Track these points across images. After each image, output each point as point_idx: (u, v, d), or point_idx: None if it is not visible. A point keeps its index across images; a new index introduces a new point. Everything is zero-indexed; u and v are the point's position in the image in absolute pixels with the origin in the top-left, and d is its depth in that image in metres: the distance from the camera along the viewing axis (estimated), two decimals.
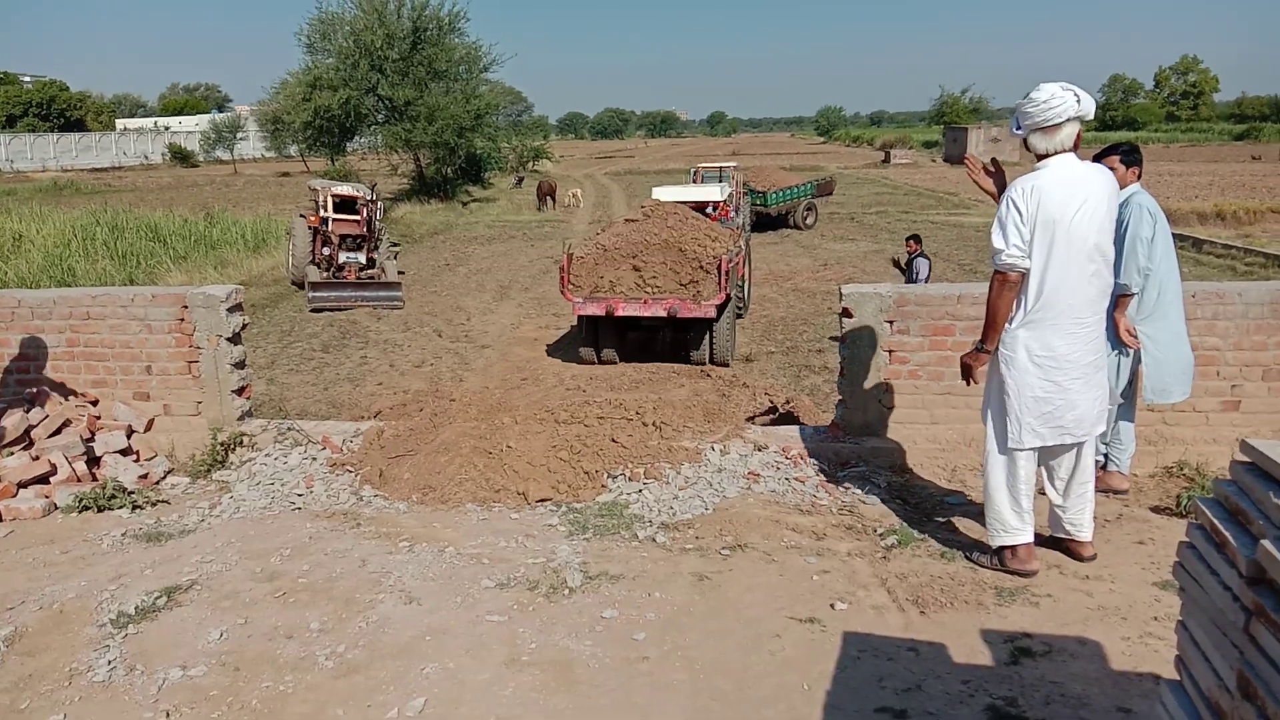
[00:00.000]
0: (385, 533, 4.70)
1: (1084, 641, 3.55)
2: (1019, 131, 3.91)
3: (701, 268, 10.40)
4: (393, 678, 3.42)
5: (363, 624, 3.80)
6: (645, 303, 10.42)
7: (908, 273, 11.90)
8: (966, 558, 4.28)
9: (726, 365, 10.62)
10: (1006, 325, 3.98)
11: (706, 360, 10.74)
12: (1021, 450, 4.02)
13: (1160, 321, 4.77)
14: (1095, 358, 3.96)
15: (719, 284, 10.27)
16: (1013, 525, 4.08)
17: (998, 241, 3.90)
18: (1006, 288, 3.92)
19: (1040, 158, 3.93)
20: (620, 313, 10.47)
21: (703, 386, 9.17)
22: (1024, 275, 3.89)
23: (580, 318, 11.01)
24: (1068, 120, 3.82)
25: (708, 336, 10.72)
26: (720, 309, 10.41)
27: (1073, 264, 3.82)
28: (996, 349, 4.03)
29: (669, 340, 11.15)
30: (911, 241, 12.09)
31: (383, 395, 9.64)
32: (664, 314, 10.36)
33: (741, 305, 12.73)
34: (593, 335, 11.07)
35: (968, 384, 4.23)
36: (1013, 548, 4.10)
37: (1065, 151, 3.88)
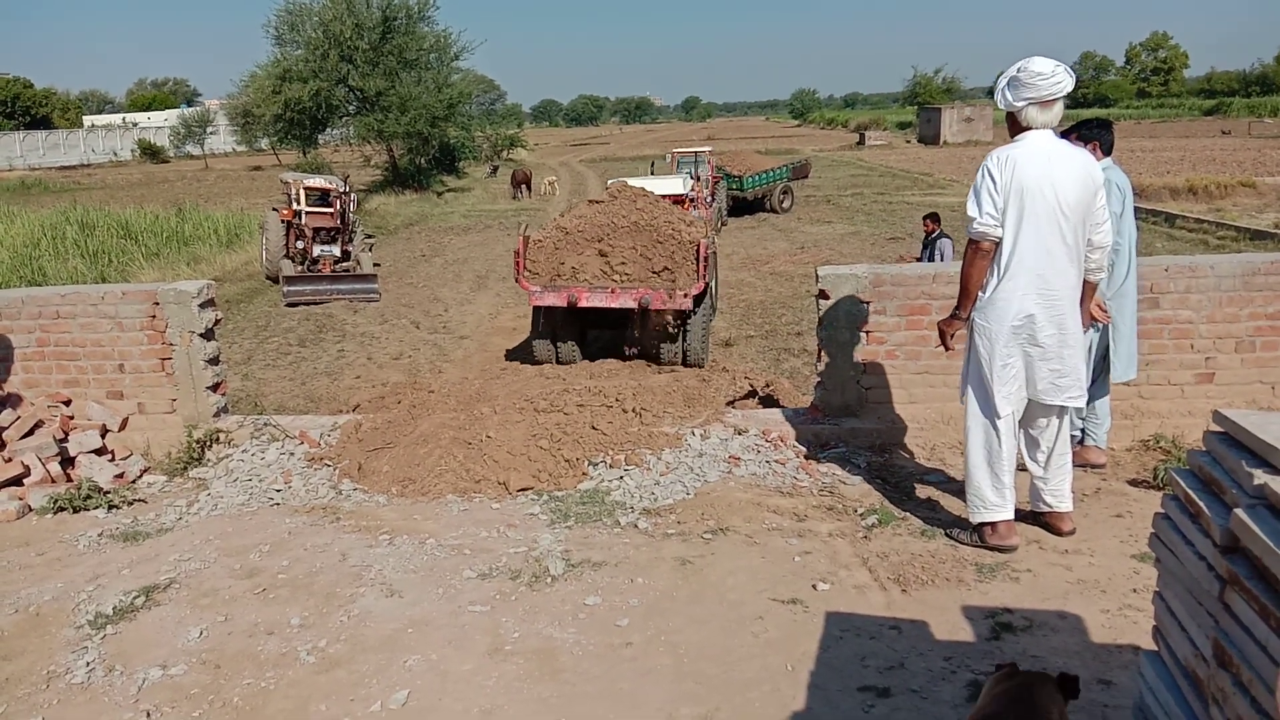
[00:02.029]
0: (365, 526, 4.68)
1: (1064, 615, 3.57)
2: (1017, 104, 3.91)
3: (676, 253, 9.27)
4: (375, 671, 3.41)
5: (344, 618, 3.78)
6: (613, 292, 9.12)
7: (928, 254, 10.96)
8: (947, 535, 4.30)
9: (700, 367, 9.35)
10: (980, 294, 4.01)
11: (679, 362, 9.44)
12: (1000, 422, 4.04)
13: (1124, 299, 4.82)
14: (1062, 332, 3.96)
15: (697, 271, 9.12)
16: (993, 501, 4.10)
17: (971, 210, 3.95)
18: (979, 255, 3.96)
19: (1019, 131, 3.95)
20: (584, 303, 9.19)
21: (682, 372, 9.06)
22: (997, 244, 3.92)
23: (536, 309, 9.66)
24: (1062, 96, 3.86)
25: (682, 333, 9.42)
26: (698, 300, 9.18)
27: (1044, 236, 3.86)
28: (971, 319, 4.07)
29: (638, 336, 9.74)
30: (929, 220, 11.10)
31: (361, 388, 9.58)
32: (633, 305, 9.10)
33: (710, 306, 11.15)
34: (550, 329, 9.70)
35: (946, 349, 4.29)
36: (993, 524, 4.12)
37: (1050, 128, 3.92)
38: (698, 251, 9.18)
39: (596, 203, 10.42)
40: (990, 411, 4.07)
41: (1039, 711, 2.17)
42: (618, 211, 9.91)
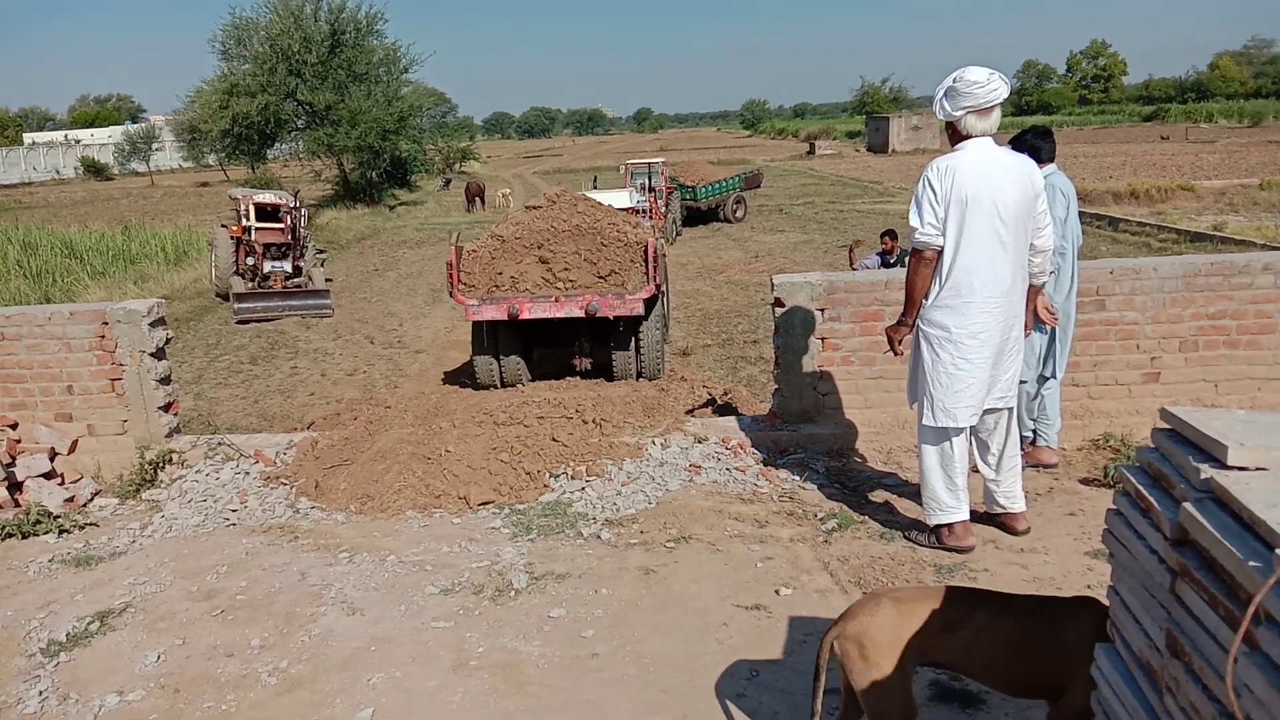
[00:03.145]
0: (324, 544, 4.63)
1: None
2: (956, 113, 3.97)
3: (624, 256, 8.61)
4: (339, 690, 3.37)
5: (305, 638, 3.74)
6: (557, 301, 8.38)
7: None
8: (905, 537, 4.36)
9: (656, 379, 8.81)
10: (924, 302, 4.07)
11: (634, 375, 8.82)
12: (949, 429, 4.10)
13: (1069, 302, 4.95)
14: (1005, 338, 4.05)
15: (646, 273, 8.49)
16: (948, 504, 4.17)
17: (913, 220, 4.01)
18: (922, 264, 4.03)
19: (959, 140, 4.02)
20: (526, 315, 8.39)
21: (641, 382, 9.07)
22: (939, 253, 3.98)
23: (475, 325, 8.77)
24: (999, 103, 3.93)
25: (634, 341, 8.77)
26: (649, 305, 8.54)
27: (984, 243, 3.92)
28: (917, 327, 4.13)
29: (588, 349, 9.06)
30: (887, 238, 10.39)
31: (315, 405, 9.46)
32: (580, 313, 8.37)
33: (663, 318, 10.12)
34: (491, 346, 8.84)
35: (895, 354, 4.34)
36: (949, 525, 4.19)
37: (989, 135, 3.99)
38: (646, 252, 8.57)
39: (534, 208, 9.65)
40: (927, 418, 4.14)
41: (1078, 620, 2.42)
42: (558, 216, 9.18)
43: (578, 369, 9.08)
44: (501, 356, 8.89)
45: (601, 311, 8.38)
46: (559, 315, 8.45)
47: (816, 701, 2.63)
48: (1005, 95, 3.94)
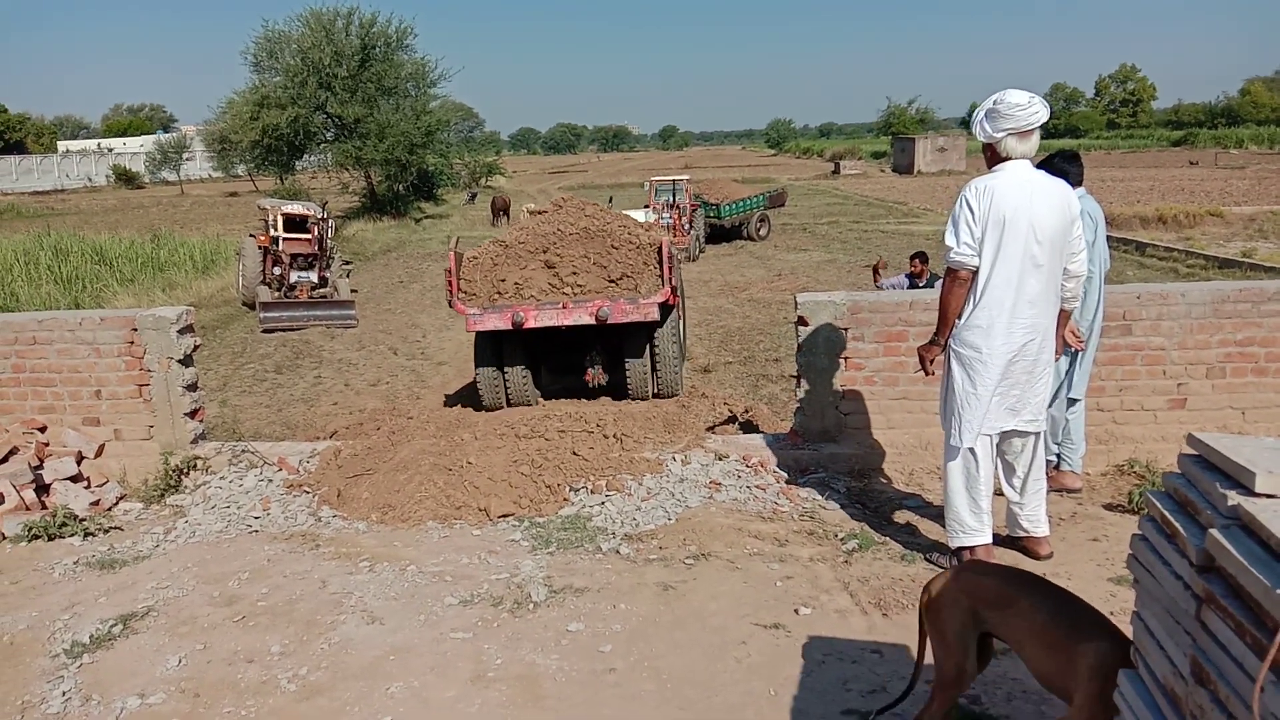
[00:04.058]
0: (345, 553, 4.66)
1: None
2: (997, 135, 3.97)
3: (636, 258, 8.11)
4: (357, 698, 3.39)
5: (325, 645, 3.76)
6: (565, 308, 7.81)
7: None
8: (926, 559, 4.34)
9: (673, 396, 8.38)
10: (957, 320, 4.07)
11: (649, 393, 8.27)
12: (977, 451, 4.09)
13: (1095, 325, 4.93)
14: (1036, 359, 4.04)
15: (661, 275, 7.95)
16: (971, 526, 4.14)
17: (949, 239, 4.00)
18: (957, 284, 4.02)
19: (997, 162, 4.02)
20: (531, 323, 7.80)
21: (662, 397, 9.05)
22: (974, 273, 3.98)
23: (477, 337, 8.19)
24: (1039, 126, 3.94)
25: (649, 350, 8.21)
26: (664, 310, 7.99)
27: (1019, 265, 3.91)
28: (948, 347, 4.12)
29: (600, 362, 8.42)
30: (917, 260, 9.68)
31: (338, 415, 9.52)
32: (590, 320, 7.78)
33: (679, 343, 9.18)
34: (495, 359, 8.22)
35: (926, 374, 4.32)
36: (972, 548, 4.16)
37: (1028, 157, 3.99)
38: (660, 254, 8.03)
39: (539, 213, 9.08)
40: (954, 438, 4.13)
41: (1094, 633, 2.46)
42: (564, 219, 8.60)
43: (590, 383, 8.48)
44: (506, 370, 8.30)
45: (613, 317, 7.81)
46: (566, 323, 7.88)
47: (920, 655, 2.96)
48: (1045, 118, 3.95)
